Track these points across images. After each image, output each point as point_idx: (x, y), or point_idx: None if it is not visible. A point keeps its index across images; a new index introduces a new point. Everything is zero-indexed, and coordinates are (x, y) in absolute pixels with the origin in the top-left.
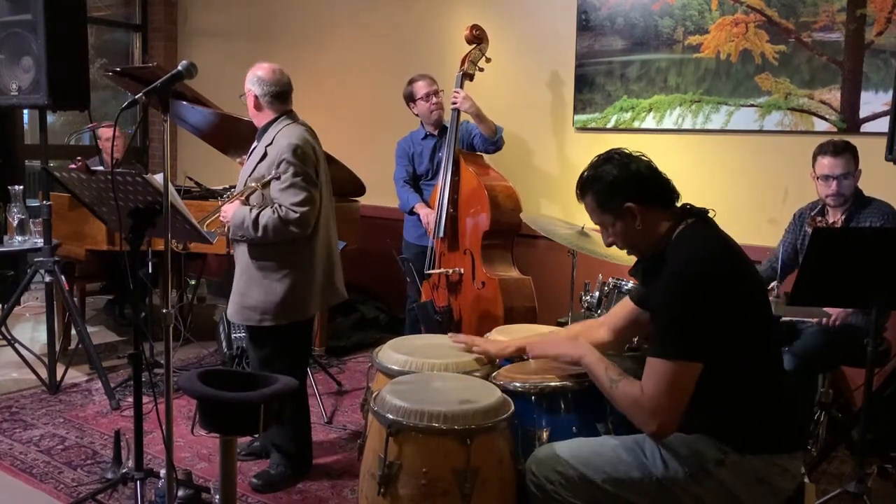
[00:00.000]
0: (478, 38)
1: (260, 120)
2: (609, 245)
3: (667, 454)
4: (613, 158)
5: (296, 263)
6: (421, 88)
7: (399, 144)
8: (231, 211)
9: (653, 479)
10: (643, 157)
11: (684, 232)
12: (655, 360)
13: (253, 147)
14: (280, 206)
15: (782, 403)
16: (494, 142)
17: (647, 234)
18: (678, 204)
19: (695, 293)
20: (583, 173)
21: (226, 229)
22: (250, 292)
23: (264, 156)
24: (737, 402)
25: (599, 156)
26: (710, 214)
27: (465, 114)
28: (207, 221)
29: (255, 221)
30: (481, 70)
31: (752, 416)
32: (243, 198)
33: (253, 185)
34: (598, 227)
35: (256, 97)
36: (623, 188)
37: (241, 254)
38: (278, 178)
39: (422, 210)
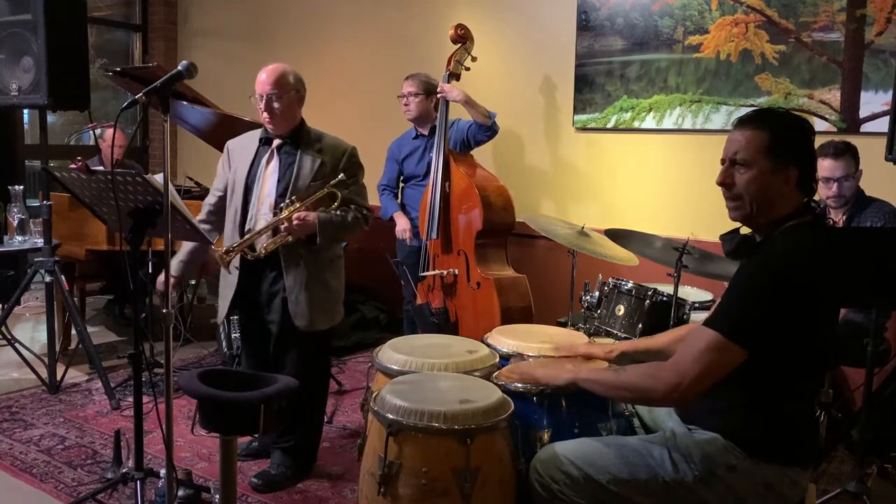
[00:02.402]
0: (462, 37)
1: (290, 123)
2: (722, 183)
3: (677, 456)
4: (806, 124)
5: (342, 265)
6: (403, 87)
7: (389, 147)
8: (313, 216)
9: (660, 480)
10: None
11: (797, 226)
12: (705, 328)
13: (268, 154)
14: (358, 206)
15: (808, 417)
16: (490, 126)
17: (775, 203)
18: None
19: (779, 285)
20: (767, 109)
21: (287, 237)
22: (322, 296)
23: (322, 163)
24: (766, 409)
25: (789, 111)
26: (828, 223)
27: (454, 108)
28: (269, 241)
29: (344, 220)
30: (467, 69)
31: (777, 426)
32: (312, 203)
33: (326, 189)
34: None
35: (302, 98)
36: (804, 153)
37: (297, 262)
38: (347, 181)
39: (399, 220)
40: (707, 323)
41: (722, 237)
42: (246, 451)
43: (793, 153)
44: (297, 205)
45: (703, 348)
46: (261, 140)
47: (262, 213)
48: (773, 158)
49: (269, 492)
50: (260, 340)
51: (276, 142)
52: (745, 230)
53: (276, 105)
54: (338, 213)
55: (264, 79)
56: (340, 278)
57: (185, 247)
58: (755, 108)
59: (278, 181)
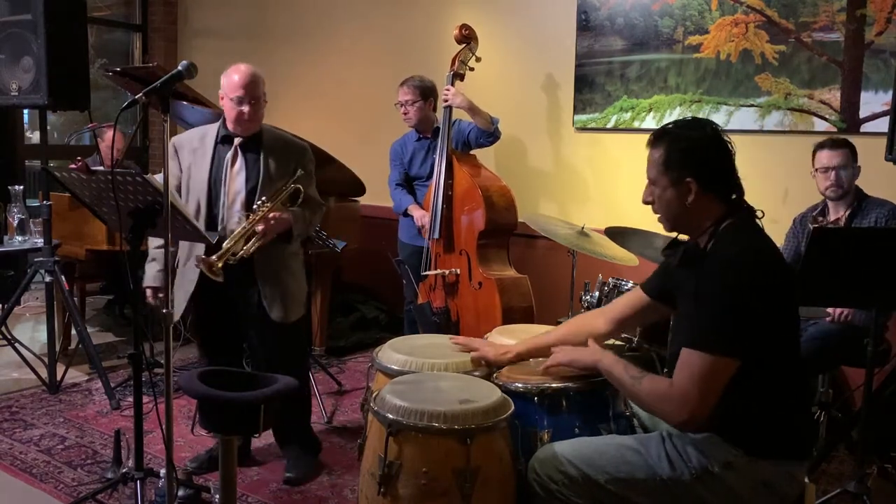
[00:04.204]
0: (467, 37)
1: (259, 125)
2: (646, 202)
3: (674, 455)
4: (705, 129)
5: (302, 256)
6: (398, 95)
7: (392, 147)
8: (287, 213)
9: (657, 479)
10: (731, 145)
11: (733, 226)
12: (692, 351)
13: (233, 154)
14: (317, 201)
15: (801, 411)
16: (492, 132)
17: (691, 214)
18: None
19: (747, 285)
20: (668, 124)
21: (266, 237)
22: (293, 288)
23: (287, 160)
24: (758, 406)
25: (695, 118)
26: (759, 216)
27: (457, 109)
28: (247, 245)
29: (312, 218)
30: (472, 70)
31: (770, 421)
32: (282, 201)
33: (291, 186)
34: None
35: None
36: (695, 161)
37: (269, 257)
38: (306, 176)
39: (416, 212)
40: (691, 344)
41: (664, 252)
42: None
43: (685, 163)
44: (269, 204)
45: (698, 372)
46: (219, 139)
47: (234, 212)
48: (669, 173)
49: (305, 482)
50: (224, 336)
51: (237, 140)
52: (683, 236)
53: (260, 112)
54: (305, 211)
55: (244, 82)
56: (303, 268)
57: (156, 255)
58: (661, 126)
59: (247, 180)
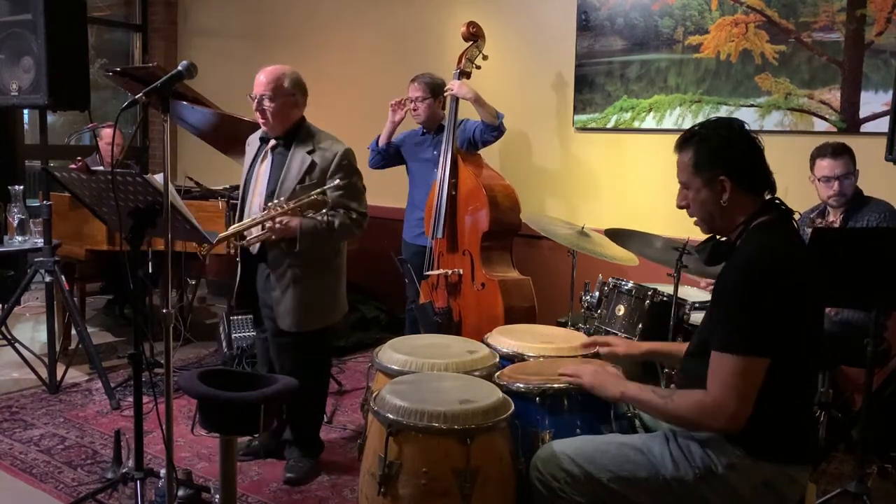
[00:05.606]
0: (474, 35)
1: (284, 125)
2: (680, 207)
3: (677, 454)
4: (732, 127)
5: (340, 264)
6: (409, 91)
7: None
8: (296, 221)
9: (660, 478)
10: (759, 142)
11: (763, 225)
12: (722, 355)
13: (263, 153)
14: (348, 209)
15: (806, 415)
16: (497, 127)
17: (727, 213)
18: (768, 197)
19: (766, 284)
20: (694, 126)
21: (271, 235)
22: (310, 297)
23: (311, 164)
24: (770, 406)
25: (720, 118)
26: (796, 217)
27: (463, 106)
28: (254, 236)
29: (330, 226)
30: (478, 68)
31: (774, 423)
32: (299, 207)
33: (314, 195)
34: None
35: (299, 102)
36: (726, 159)
37: (283, 264)
38: (339, 185)
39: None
40: (720, 347)
41: (696, 249)
42: (245, 450)
43: (717, 162)
44: (285, 207)
45: (731, 375)
46: (261, 139)
47: (253, 212)
48: (701, 174)
49: (305, 482)
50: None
51: (272, 142)
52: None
53: (266, 106)
54: (325, 218)
55: (261, 80)
56: (337, 277)
57: None
58: (686, 129)
59: (268, 181)
